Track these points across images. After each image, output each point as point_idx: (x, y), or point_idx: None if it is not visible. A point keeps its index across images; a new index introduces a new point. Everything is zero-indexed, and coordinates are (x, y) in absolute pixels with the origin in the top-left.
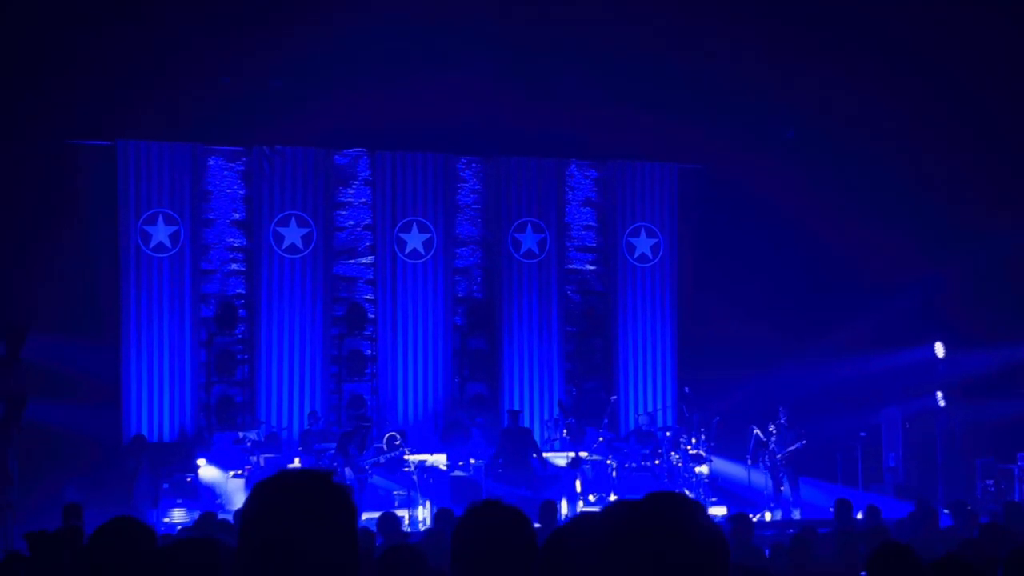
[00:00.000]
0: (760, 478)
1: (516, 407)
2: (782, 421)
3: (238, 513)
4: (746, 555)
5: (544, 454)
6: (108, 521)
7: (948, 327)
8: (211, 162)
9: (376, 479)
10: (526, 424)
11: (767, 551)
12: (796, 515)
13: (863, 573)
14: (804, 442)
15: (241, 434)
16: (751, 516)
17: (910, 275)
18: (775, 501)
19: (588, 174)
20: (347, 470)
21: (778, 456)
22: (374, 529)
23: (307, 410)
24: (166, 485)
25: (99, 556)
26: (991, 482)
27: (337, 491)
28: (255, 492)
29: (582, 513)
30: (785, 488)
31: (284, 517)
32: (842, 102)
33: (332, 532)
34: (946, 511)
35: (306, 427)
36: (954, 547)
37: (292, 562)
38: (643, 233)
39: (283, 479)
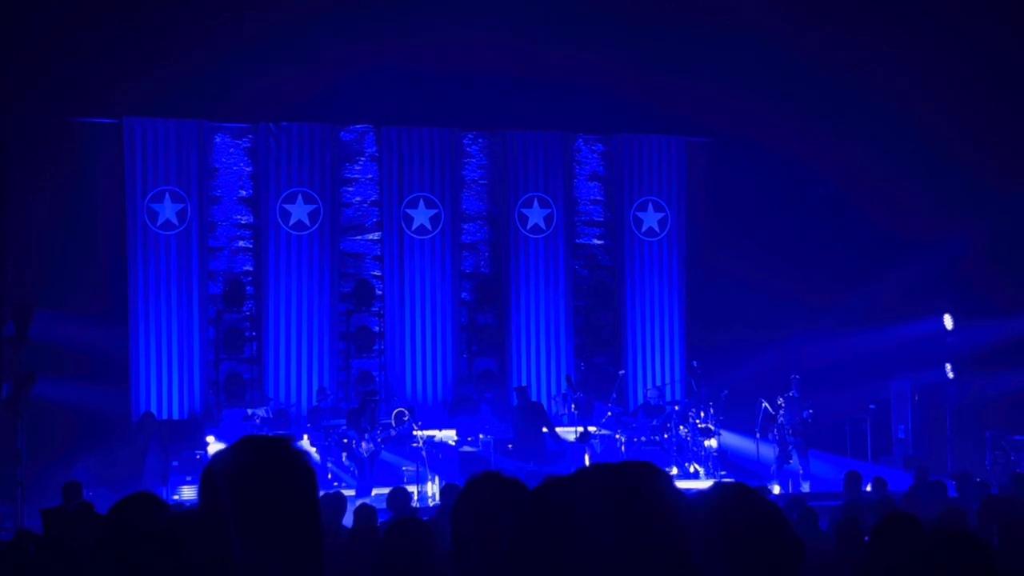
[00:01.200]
0: (769, 451)
1: (523, 383)
2: (793, 393)
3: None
4: None
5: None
6: (126, 496)
7: (957, 299)
8: (217, 139)
9: (385, 455)
10: (534, 398)
11: None
12: (806, 488)
13: (866, 538)
14: (811, 411)
15: (250, 411)
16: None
17: (919, 247)
18: (778, 474)
19: (595, 148)
20: (364, 444)
21: (787, 428)
22: (382, 505)
23: (315, 387)
24: (175, 462)
25: (117, 530)
26: (1000, 454)
27: (295, 454)
28: (216, 456)
29: (554, 477)
30: (794, 460)
31: (243, 477)
32: (850, 73)
33: (290, 491)
34: (952, 482)
35: (315, 403)
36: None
37: (251, 519)
38: (650, 207)
39: (243, 444)
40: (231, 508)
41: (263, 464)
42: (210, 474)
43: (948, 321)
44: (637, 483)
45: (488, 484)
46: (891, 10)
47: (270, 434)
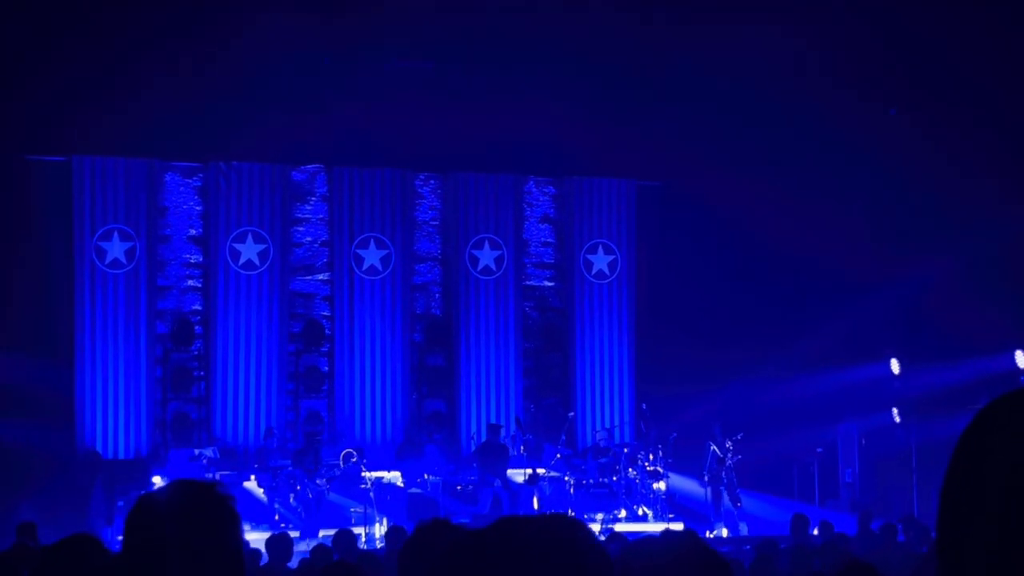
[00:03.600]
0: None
1: (499, 421)
2: (738, 437)
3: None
4: None
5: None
6: (63, 539)
7: (903, 343)
8: (167, 178)
9: (333, 496)
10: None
11: None
12: (744, 529)
13: None
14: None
15: (197, 451)
16: (707, 533)
17: (866, 292)
18: (716, 516)
19: (546, 190)
20: (307, 485)
21: (733, 472)
22: (329, 545)
23: (263, 427)
24: (121, 503)
25: (53, 572)
26: None
27: (220, 498)
28: (141, 499)
29: (469, 532)
30: (726, 501)
31: (165, 521)
32: (798, 118)
33: (215, 534)
34: (898, 525)
35: (262, 444)
36: (910, 562)
37: (170, 563)
38: (600, 250)
39: (169, 487)
40: (156, 550)
41: (188, 507)
42: (135, 516)
43: (895, 365)
44: (558, 536)
45: (436, 531)
46: (839, 55)
47: (202, 478)
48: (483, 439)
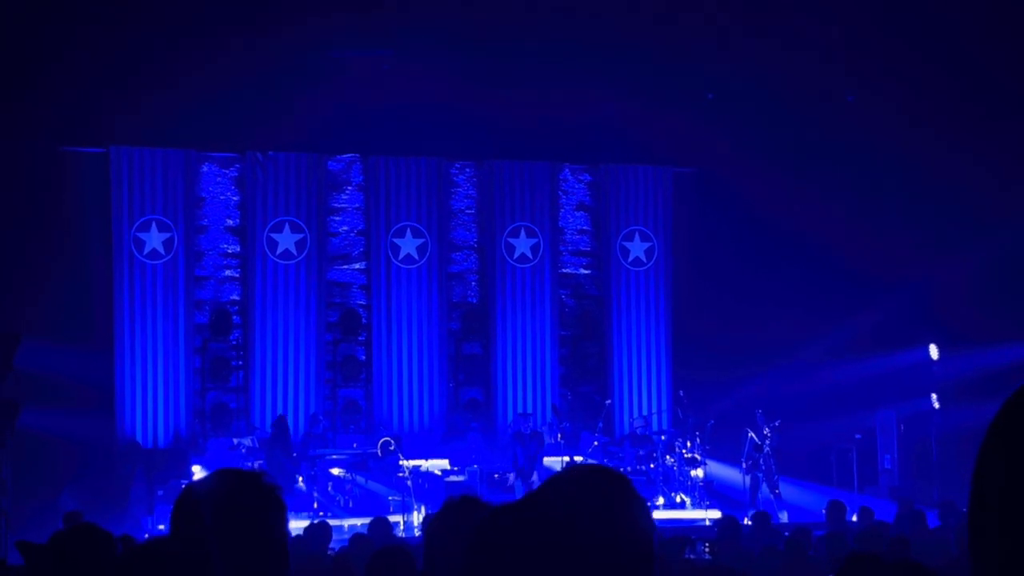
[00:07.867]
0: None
1: (528, 410)
2: (776, 424)
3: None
4: (735, 558)
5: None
6: (67, 529)
7: (942, 329)
8: (204, 168)
9: (372, 484)
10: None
11: (757, 553)
12: (784, 517)
13: None
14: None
15: (236, 440)
16: (744, 520)
17: (904, 277)
18: (753, 503)
19: (582, 178)
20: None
21: (772, 458)
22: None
23: (302, 416)
24: (161, 492)
25: (58, 563)
26: None
27: (267, 488)
28: (190, 486)
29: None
30: (765, 490)
31: (210, 511)
32: (836, 105)
33: (261, 522)
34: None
35: (307, 430)
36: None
37: (222, 547)
38: (637, 237)
39: (217, 476)
40: (202, 539)
41: (233, 497)
42: (183, 503)
43: (934, 351)
44: (605, 499)
45: (464, 507)
46: (874, 45)
47: (246, 467)
48: (517, 427)
